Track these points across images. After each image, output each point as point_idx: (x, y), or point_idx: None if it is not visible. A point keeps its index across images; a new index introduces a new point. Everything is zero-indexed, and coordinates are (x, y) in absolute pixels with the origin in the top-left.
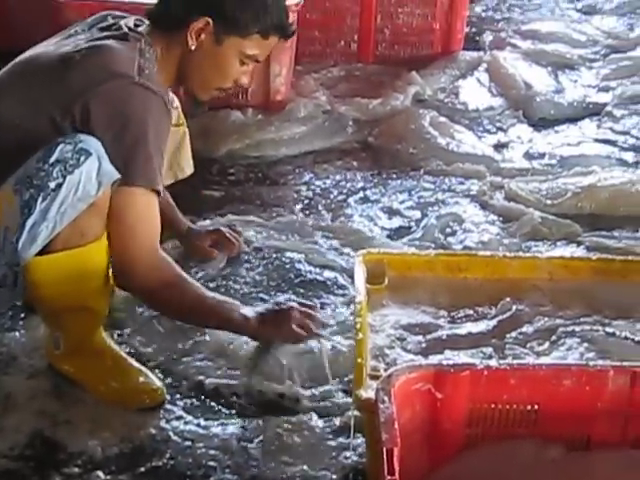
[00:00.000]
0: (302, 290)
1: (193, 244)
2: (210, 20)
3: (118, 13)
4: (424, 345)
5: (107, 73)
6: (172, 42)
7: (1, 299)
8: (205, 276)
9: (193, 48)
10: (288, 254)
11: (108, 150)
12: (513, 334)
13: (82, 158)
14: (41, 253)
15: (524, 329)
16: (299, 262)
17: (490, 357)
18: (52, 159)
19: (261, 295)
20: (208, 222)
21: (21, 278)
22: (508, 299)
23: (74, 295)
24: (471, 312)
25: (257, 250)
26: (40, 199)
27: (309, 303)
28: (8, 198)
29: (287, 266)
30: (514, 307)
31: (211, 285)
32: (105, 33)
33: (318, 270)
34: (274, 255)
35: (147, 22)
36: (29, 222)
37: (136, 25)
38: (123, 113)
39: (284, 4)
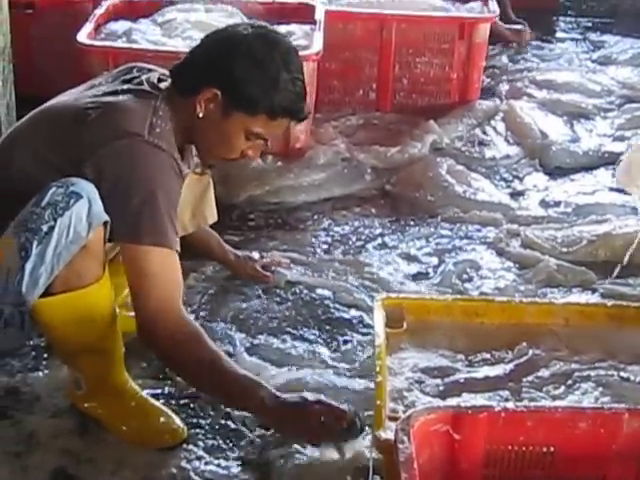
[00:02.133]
0: (327, 327)
1: (247, 270)
2: (219, 92)
3: (145, 65)
4: (442, 388)
5: (118, 131)
6: (185, 105)
7: (11, 338)
8: (235, 308)
9: (201, 116)
10: (318, 291)
11: (118, 209)
12: (529, 378)
13: (72, 201)
14: (43, 295)
15: (540, 373)
16: (327, 299)
17: (507, 400)
18: (44, 202)
19: (288, 329)
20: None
21: (27, 318)
22: (524, 344)
23: (83, 337)
24: (488, 356)
25: (289, 285)
26: (35, 242)
27: (340, 408)
28: (9, 241)
29: (316, 302)
30: (530, 352)
31: (242, 316)
32: (125, 86)
33: (345, 308)
34: (305, 291)
35: (169, 78)
36: (28, 265)
37: (160, 80)
38: (131, 172)
39: (300, 87)
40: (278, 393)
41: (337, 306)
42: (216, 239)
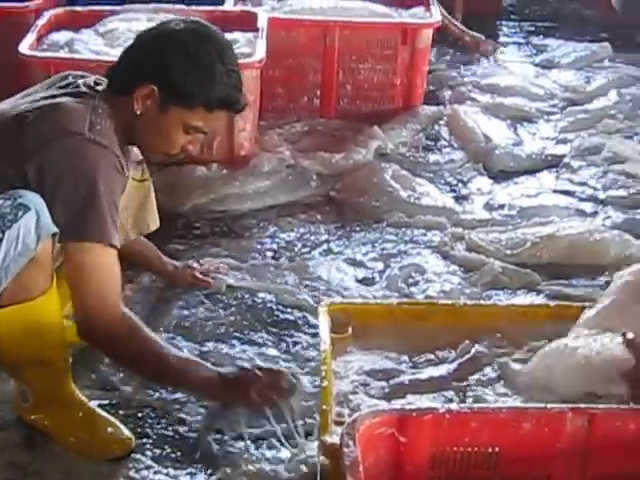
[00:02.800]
0: (274, 329)
1: (187, 278)
2: (155, 87)
3: (79, 73)
4: (387, 390)
5: (58, 131)
6: (122, 103)
7: None
8: (178, 316)
9: (139, 113)
10: (261, 294)
11: (61, 208)
12: (474, 376)
13: (20, 213)
14: None
15: (484, 371)
16: (270, 302)
17: (451, 400)
18: None
19: (235, 334)
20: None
21: None
22: (467, 342)
23: (30, 349)
24: (432, 356)
25: (231, 291)
26: None
27: (278, 369)
28: None
29: (260, 306)
30: (473, 350)
31: (186, 324)
32: (62, 91)
33: (289, 310)
34: (247, 295)
35: (106, 81)
36: None
37: (96, 83)
38: (73, 170)
39: (236, 79)
40: (215, 369)
41: (281, 308)
42: (154, 250)
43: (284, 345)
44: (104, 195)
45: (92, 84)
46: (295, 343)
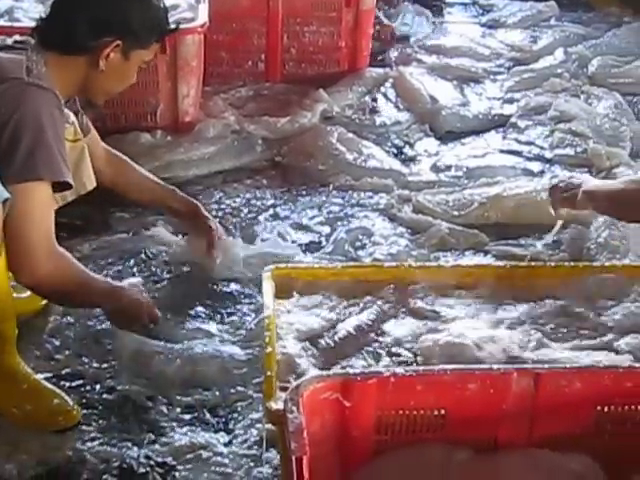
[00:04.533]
0: (209, 302)
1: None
2: (120, 42)
3: (2, 37)
4: (321, 357)
5: None
6: (73, 63)
7: None
8: None
9: (104, 69)
10: (197, 266)
11: (9, 152)
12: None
13: None
14: None
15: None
16: (206, 274)
17: (378, 354)
18: None
19: (169, 308)
20: None
21: None
22: (368, 297)
23: None
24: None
25: (165, 264)
26: None
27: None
28: None
29: (196, 278)
30: (375, 305)
31: None
32: None
33: (225, 282)
34: (183, 269)
35: (32, 39)
36: None
37: (23, 41)
38: (17, 113)
39: (163, 4)
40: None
41: (216, 280)
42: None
43: (219, 317)
44: (51, 133)
45: (19, 39)
46: (230, 314)
